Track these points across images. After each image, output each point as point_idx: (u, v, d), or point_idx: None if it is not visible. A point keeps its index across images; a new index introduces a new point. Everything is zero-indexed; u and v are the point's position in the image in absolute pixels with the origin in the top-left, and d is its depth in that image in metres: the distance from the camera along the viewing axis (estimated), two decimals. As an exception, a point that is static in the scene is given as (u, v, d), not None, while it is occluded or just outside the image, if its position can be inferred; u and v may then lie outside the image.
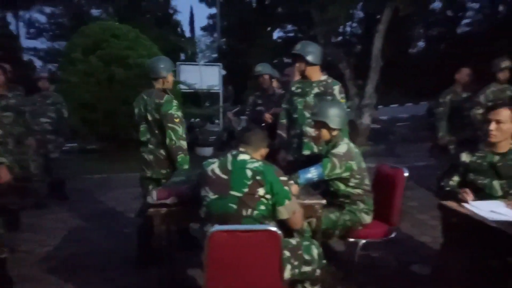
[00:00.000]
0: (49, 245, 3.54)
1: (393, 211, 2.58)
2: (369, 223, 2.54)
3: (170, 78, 3.02)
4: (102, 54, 7.85)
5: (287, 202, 1.84)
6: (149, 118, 2.90)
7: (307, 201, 2.22)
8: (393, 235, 2.54)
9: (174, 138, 2.81)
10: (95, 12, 20.54)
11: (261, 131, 2.08)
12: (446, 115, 4.54)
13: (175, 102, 2.88)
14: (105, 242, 3.59)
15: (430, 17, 23.19)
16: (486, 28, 22.43)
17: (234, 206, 1.81)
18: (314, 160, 2.62)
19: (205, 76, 10.99)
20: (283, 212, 1.85)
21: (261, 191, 1.80)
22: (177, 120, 2.83)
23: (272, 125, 3.63)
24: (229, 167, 1.88)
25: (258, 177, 1.81)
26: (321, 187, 2.72)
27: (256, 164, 1.86)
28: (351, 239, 2.54)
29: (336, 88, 3.07)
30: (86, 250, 3.40)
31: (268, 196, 1.81)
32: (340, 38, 20.92)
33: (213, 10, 24.45)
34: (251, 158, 1.91)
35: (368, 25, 18.48)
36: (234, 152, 1.94)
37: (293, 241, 1.98)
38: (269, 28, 22.31)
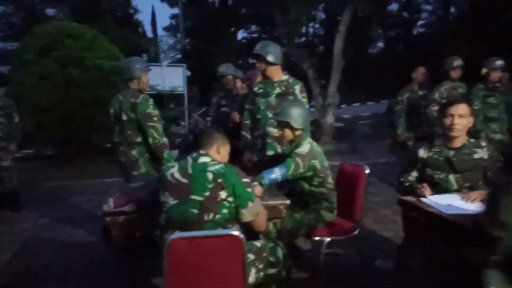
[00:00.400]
0: (0, 260, 3.30)
1: (356, 208, 2.63)
2: (333, 220, 2.57)
3: (145, 78, 2.98)
4: (58, 55, 7.47)
5: (250, 204, 1.81)
6: (124, 117, 2.82)
7: (271, 202, 2.21)
8: (356, 231, 2.58)
9: (156, 136, 2.77)
10: (50, 11, 19.58)
11: (220, 132, 2.04)
12: (405, 112, 4.70)
13: (151, 101, 2.83)
14: (64, 253, 3.40)
15: (388, 18, 24.10)
16: (439, 29, 23.63)
17: (195, 211, 1.75)
18: (278, 160, 2.61)
19: (169, 77, 10.75)
20: (247, 215, 1.82)
21: (223, 194, 1.76)
22: (155, 118, 2.80)
23: (238, 126, 3.60)
24: (189, 170, 1.82)
25: (219, 180, 1.76)
26: (286, 187, 2.73)
27: (217, 167, 1.81)
28: (317, 238, 2.55)
29: (297, 88, 3.08)
30: (43, 262, 3.20)
31: (230, 199, 1.77)
32: (303, 39, 21.25)
33: (176, 10, 24.04)
34: (212, 160, 1.86)
35: (330, 26, 18.92)
36: (194, 155, 1.89)
37: (258, 243, 1.95)
38: (233, 29, 22.26)
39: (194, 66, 17.57)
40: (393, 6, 24.46)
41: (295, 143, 2.57)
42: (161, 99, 10.86)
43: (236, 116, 3.69)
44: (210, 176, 1.77)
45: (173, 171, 1.85)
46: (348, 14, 9.05)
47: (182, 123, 11.50)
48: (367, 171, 2.62)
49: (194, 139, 9.20)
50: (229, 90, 4.02)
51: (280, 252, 1.97)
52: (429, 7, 27.22)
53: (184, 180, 1.80)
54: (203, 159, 1.85)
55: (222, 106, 4.06)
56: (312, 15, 17.96)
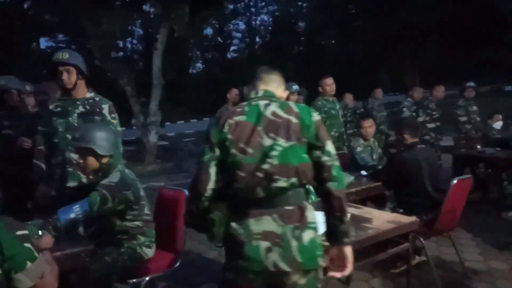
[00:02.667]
0: None
1: (177, 237, 2.44)
2: (151, 256, 2.29)
3: None
4: None
5: (29, 265, 1.35)
6: None
7: (69, 251, 1.77)
8: (177, 264, 2.38)
9: None
10: None
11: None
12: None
13: None
14: None
15: (205, 41, 25.60)
16: (247, 54, 26.63)
17: None
18: (83, 193, 2.16)
19: None
20: (24, 281, 1.34)
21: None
22: None
23: (28, 152, 2.88)
24: None
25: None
26: (93, 225, 2.29)
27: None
28: (133, 280, 2.22)
29: (106, 107, 2.70)
30: None
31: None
32: (120, 53, 20.11)
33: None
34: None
35: (148, 43, 18.56)
36: None
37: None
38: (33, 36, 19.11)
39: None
40: (209, 31, 26.24)
41: (101, 172, 2.19)
42: None
43: (24, 141, 2.96)
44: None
45: None
46: (164, 33, 9.00)
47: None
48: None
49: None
50: (12, 108, 3.21)
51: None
52: (239, 35, 30.43)
53: None
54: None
55: (4, 128, 3.18)
56: (129, 30, 17.26)
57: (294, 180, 1.40)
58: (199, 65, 28.60)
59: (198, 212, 1.49)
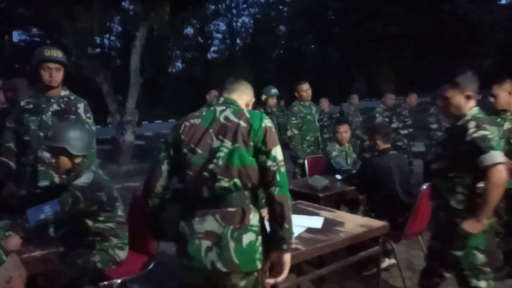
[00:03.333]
0: None
1: (150, 239, 2.40)
2: (124, 258, 2.26)
3: None
4: None
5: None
6: None
7: (38, 253, 1.73)
8: (151, 266, 2.36)
9: None
10: None
11: None
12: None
13: None
14: None
15: (185, 41, 25.37)
16: (228, 56, 26.58)
17: None
18: (55, 193, 2.12)
19: None
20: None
21: None
22: None
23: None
24: None
25: None
26: (64, 226, 2.25)
27: None
28: (105, 282, 2.18)
29: (81, 106, 2.66)
30: None
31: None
32: (98, 50, 19.69)
33: None
34: None
35: (127, 40, 18.25)
36: None
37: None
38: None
39: None
40: (189, 30, 26.06)
41: (74, 173, 2.15)
42: None
43: None
44: None
45: None
46: (143, 31, 8.87)
47: None
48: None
49: None
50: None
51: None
52: (219, 36, 30.34)
53: None
54: None
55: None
56: (108, 27, 16.91)
57: (237, 181, 1.44)
58: (179, 64, 28.37)
59: (150, 210, 1.55)
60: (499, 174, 1.80)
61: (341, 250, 2.24)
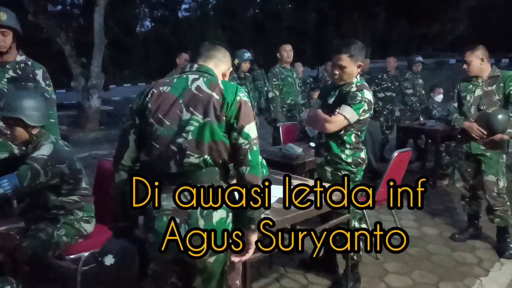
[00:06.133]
0: None
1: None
2: (91, 231, 2.18)
3: None
4: None
5: None
6: None
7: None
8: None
9: None
10: None
11: None
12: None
13: None
14: None
15: (153, -2, 23.96)
16: (200, 15, 25.43)
17: None
18: (15, 164, 1.98)
19: None
20: None
21: None
22: None
23: None
24: None
25: None
26: (25, 200, 2.13)
27: None
28: (71, 256, 2.11)
29: (40, 73, 2.45)
30: None
31: None
32: (59, 7, 18.28)
33: None
34: None
35: (90, -2, 17.00)
36: None
37: None
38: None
39: None
40: (157, -13, 24.60)
41: (32, 144, 2.00)
42: None
43: None
44: None
45: None
46: (108, -14, 8.24)
47: None
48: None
49: None
50: None
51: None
52: (191, -8, 28.77)
53: None
54: None
55: None
56: (68, -19, 15.65)
57: (207, 157, 1.37)
58: (147, 23, 26.98)
59: (119, 184, 1.45)
60: (336, 124, 2.21)
61: (314, 218, 2.25)
